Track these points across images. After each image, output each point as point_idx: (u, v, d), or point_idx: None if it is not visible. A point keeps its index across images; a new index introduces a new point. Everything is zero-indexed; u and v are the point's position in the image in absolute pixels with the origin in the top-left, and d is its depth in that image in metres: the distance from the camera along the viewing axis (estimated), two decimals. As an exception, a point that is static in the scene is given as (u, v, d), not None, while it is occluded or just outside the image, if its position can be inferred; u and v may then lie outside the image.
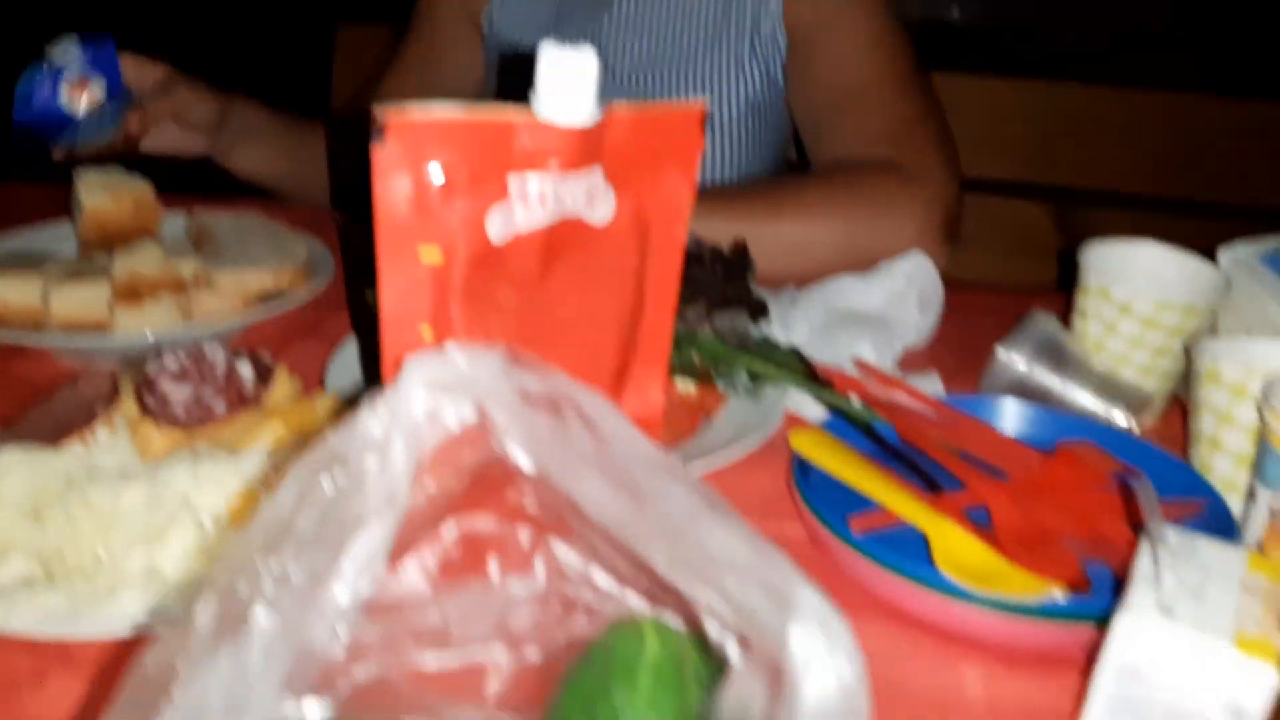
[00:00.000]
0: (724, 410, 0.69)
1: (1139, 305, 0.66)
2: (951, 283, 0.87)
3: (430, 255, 0.43)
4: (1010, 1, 1.64)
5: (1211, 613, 0.37)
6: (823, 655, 0.25)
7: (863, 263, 0.88)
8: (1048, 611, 0.47)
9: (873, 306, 0.82)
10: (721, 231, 0.88)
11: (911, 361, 0.79)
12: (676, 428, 0.66)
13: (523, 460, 0.38)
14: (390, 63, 1.24)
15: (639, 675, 0.31)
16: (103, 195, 0.85)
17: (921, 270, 0.83)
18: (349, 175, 1.11)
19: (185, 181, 1.04)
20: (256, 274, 0.81)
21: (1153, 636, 0.37)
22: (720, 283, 0.71)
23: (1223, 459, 0.56)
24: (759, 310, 0.70)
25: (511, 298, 0.46)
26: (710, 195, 0.93)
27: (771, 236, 0.88)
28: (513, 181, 0.43)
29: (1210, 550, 0.41)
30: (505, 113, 0.43)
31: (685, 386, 0.68)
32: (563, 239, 0.46)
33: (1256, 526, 0.50)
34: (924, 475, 0.60)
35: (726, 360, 0.68)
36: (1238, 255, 0.69)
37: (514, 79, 0.43)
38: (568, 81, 0.43)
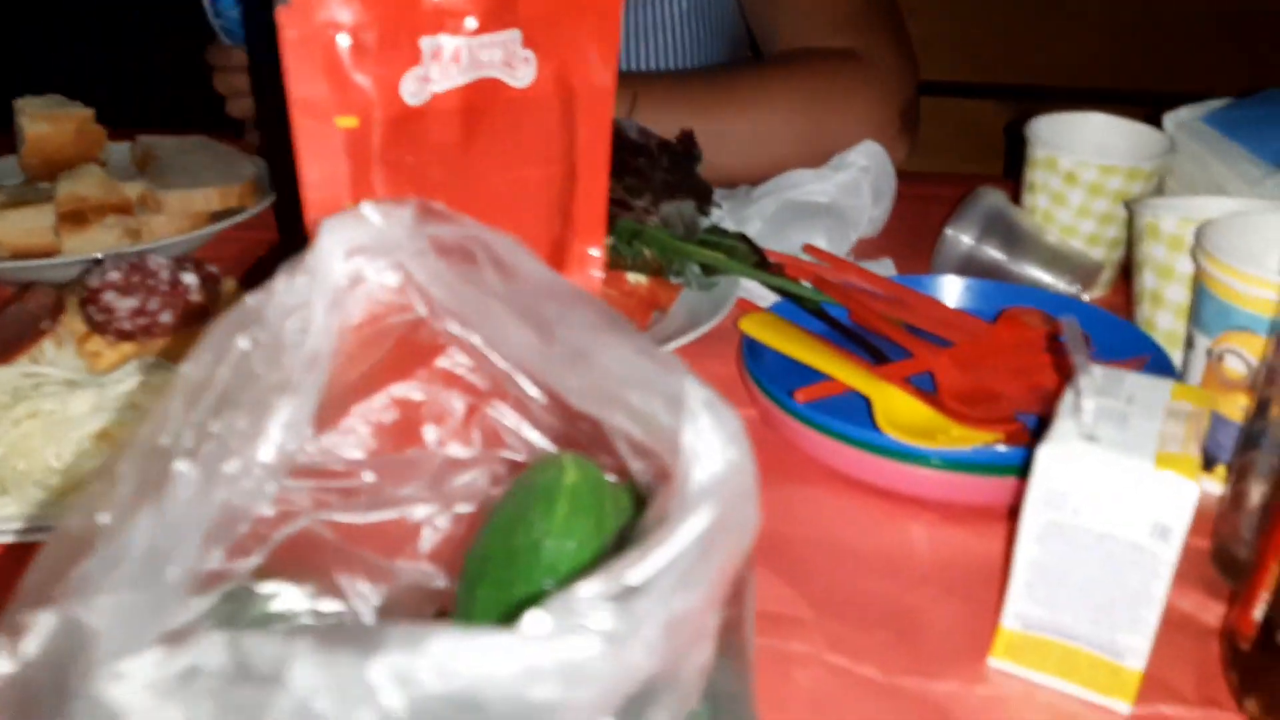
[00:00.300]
0: (678, 303, 0.69)
1: (1084, 173, 0.66)
2: (906, 174, 0.86)
3: (346, 122, 0.43)
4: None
5: (1134, 437, 0.38)
6: (712, 443, 0.25)
7: (821, 153, 0.87)
8: (985, 462, 0.48)
9: (826, 198, 0.81)
10: (676, 122, 0.87)
11: (865, 249, 0.79)
12: (630, 318, 0.65)
13: (446, 317, 0.38)
14: None
15: (556, 502, 0.31)
16: (44, 123, 0.84)
17: (875, 159, 0.83)
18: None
19: (129, 115, 1.02)
20: (204, 194, 0.80)
21: (1076, 463, 0.37)
22: (667, 173, 0.70)
23: (1165, 314, 0.57)
24: (705, 197, 0.69)
25: (436, 167, 0.45)
26: (666, 84, 0.91)
27: (729, 127, 0.88)
28: (425, 43, 0.43)
29: (1137, 382, 0.41)
30: (417, -28, 0.42)
31: (637, 280, 0.67)
32: (483, 101, 0.45)
33: (1195, 372, 0.51)
34: (873, 350, 0.61)
35: (676, 251, 0.68)
36: (1181, 118, 0.68)
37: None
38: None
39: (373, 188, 0.44)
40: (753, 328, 0.61)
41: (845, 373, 0.55)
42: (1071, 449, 0.37)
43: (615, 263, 0.68)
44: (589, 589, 0.21)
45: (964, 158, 1.43)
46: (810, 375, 0.57)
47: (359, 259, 0.40)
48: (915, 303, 0.64)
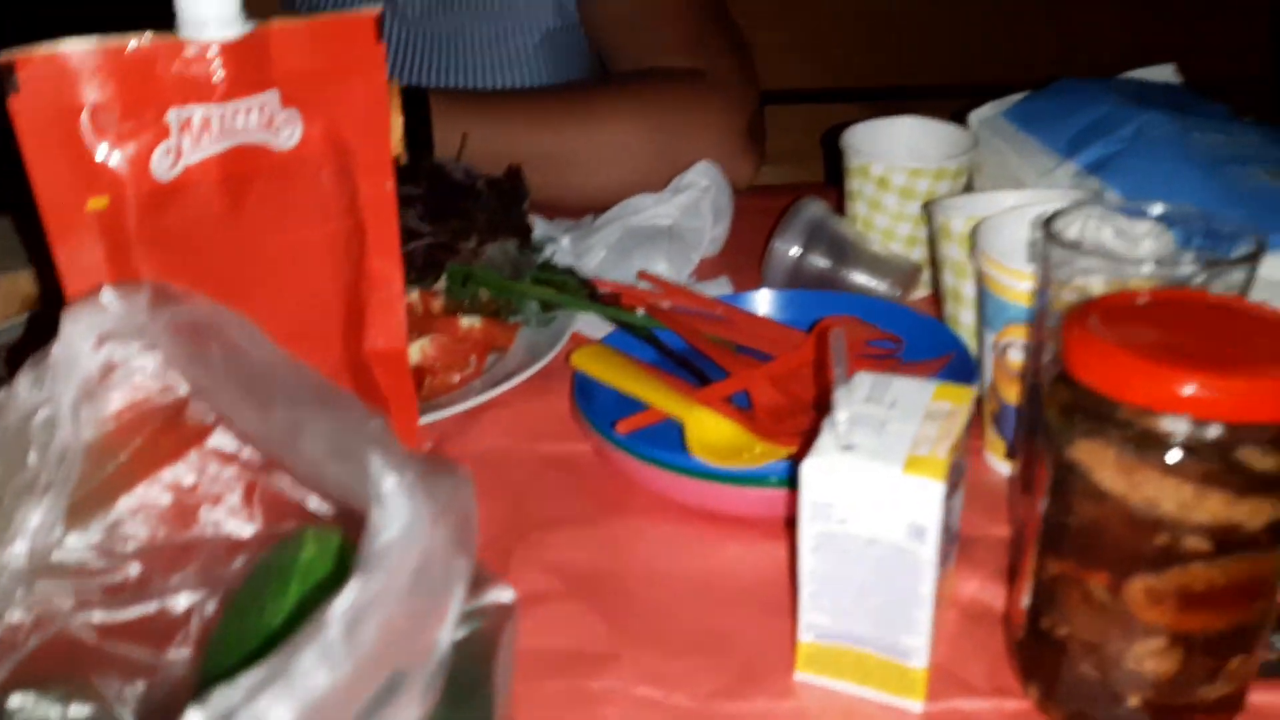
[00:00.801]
0: (517, 341, 0.69)
1: (895, 177, 0.68)
2: (746, 190, 0.88)
3: (97, 203, 0.42)
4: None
5: (889, 443, 0.39)
6: (392, 512, 0.25)
7: (668, 171, 0.88)
8: (774, 476, 0.48)
9: (668, 220, 0.82)
10: (520, 140, 0.87)
11: (706, 269, 0.80)
12: (464, 366, 0.65)
13: (197, 396, 0.38)
14: None
15: (290, 581, 0.31)
16: None
17: (713, 179, 0.84)
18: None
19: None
20: (28, 276, 0.78)
21: (834, 474, 0.38)
22: (494, 211, 0.70)
23: (966, 311, 0.58)
24: (526, 235, 0.69)
25: (203, 239, 0.45)
26: (510, 101, 0.92)
27: (575, 143, 0.89)
28: (172, 115, 0.42)
29: (902, 387, 0.42)
30: (149, 37, 0.41)
31: (470, 323, 0.67)
32: (245, 167, 0.45)
33: (987, 368, 0.52)
34: (700, 374, 0.61)
35: (507, 291, 0.68)
36: (984, 114, 0.71)
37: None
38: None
39: (135, 268, 0.43)
40: (584, 362, 0.61)
41: (663, 399, 0.56)
42: (829, 460, 0.38)
43: (450, 306, 0.68)
44: (239, 688, 0.21)
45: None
46: (638, 406, 0.57)
47: (109, 345, 0.39)
48: (741, 321, 0.65)
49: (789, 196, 0.93)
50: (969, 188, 0.70)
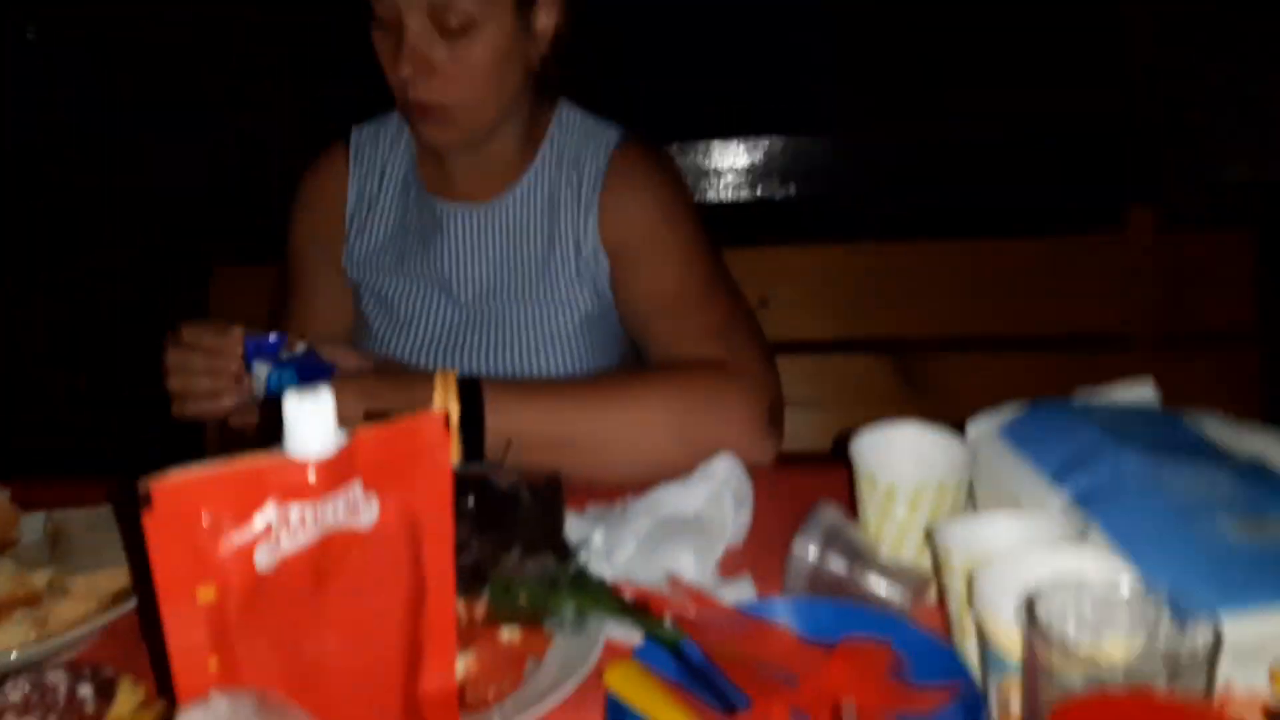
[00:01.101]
0: (551, 650, 0.74)
1: (901, 489, 0.74)
2: (765, 469, 0.95)
3: (206, 595, 0.49)
4: (822, 177, 1.81)
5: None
6: None
7: (696, 452, 0.95)
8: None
9: (693, 509, 0.89)
10: (562, 421, 0.96)
11: (730, 563, 0.85)
12: (503, 678, 0.70)
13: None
14: (275, 316, 1.30)
15: None
16: (-43, 514, 0.89)
17: (733, 471, 0.91)
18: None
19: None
20: (110, 575, 0.84)
21: None
22: (535, 522, 0.77)
23: (970, 641, 0.63)
24: (564, 552, 0.76)
25: (290, 618, 0.51)
26: (552, 387, 1.01)
27: (611, 425, 0.97)
28: (275, 514, 0.50)
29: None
30: (261, 459, 0.50)
31: (510, 635, 0.72)
32: (331, 552, 0.52)
33: (993, 710, 0.56)
34: (722, 696, 0.66)
35: (547, 601, 0.73)
36: (981, 428, 0.78)
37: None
38: (310, 422, 0.51)
39: (233, 649, 0.49)
40: (616, 682, 0.66)
41: (691, 731, 0.60)
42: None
43: (492, 615, 0.74)
44: None
45: (847, 407, 1.55)
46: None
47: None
48: (762, 634, 0.70)
49: (807, 476, 1.00)
50: (970, 498, 0.76)
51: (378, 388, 0.95)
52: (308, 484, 0.51)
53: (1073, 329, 1.51)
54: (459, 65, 1.03)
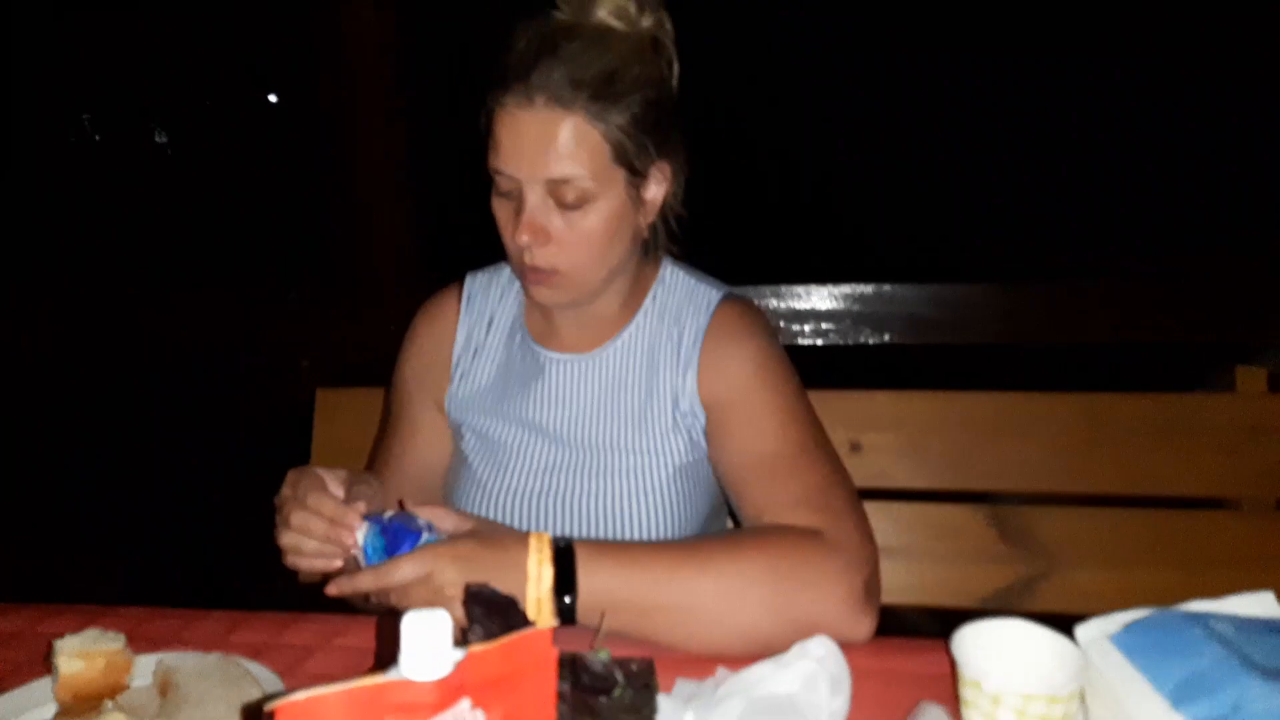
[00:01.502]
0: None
1: (1007, 698, 0.72)
2: (855, 649, 0.93)
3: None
4: (918, 324, 1.81)
5: None
6: None
7: (789, 624, 0.94)
8: None
9: (787, 691, 0.87)
10: (653, 583, 0.96)
11: (826, 754, 0.83)
12: None
13: None
14: (375, 453, 1.35)
15: None
16: (77, 661, 0.93)
17: (830, 654, 0.89)
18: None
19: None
20: (214, 728, 0.87)
21: None
22: (628, 707, 0.77)
23: None
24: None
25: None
26: (648, 552, 1.00)
27: (701, 591, 0.96)
28: (390, 733, 0.51)
29: None
30: (378, 681, 0.51)
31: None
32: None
33: None
34: None
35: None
36: (1092, 634, 0.75)
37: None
38: (426, 644, 0.52)
39: None
40: None
41: None
42: None
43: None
44: None
45: (940, 559, 1.51)
46: None
47: None
48: None
49: (906, 659, 0.97)
50: (1082, 707, 0.73)
51: (475, 552, 0.96)
52: (423, 703, 0.52)
53: (1177, 489, 1.46)
54: (573, 234, 1.09)
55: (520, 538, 0.98)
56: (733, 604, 0.97)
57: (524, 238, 1.08)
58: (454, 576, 0.94)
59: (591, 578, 0.97)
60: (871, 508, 1.15)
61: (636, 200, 1.13)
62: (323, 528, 0.99)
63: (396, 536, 0.99)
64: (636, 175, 1.11)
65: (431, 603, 0.94)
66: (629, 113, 1.07)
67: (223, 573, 2.31)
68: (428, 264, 2.14)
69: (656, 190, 1.14)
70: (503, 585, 0.87)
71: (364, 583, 0.96)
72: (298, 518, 1.00)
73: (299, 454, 1.77)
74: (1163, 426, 1.46)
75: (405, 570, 0.95)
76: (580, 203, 1.07)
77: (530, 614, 0.95)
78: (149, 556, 2.49)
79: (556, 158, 1.05)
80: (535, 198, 1.07)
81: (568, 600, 0.96)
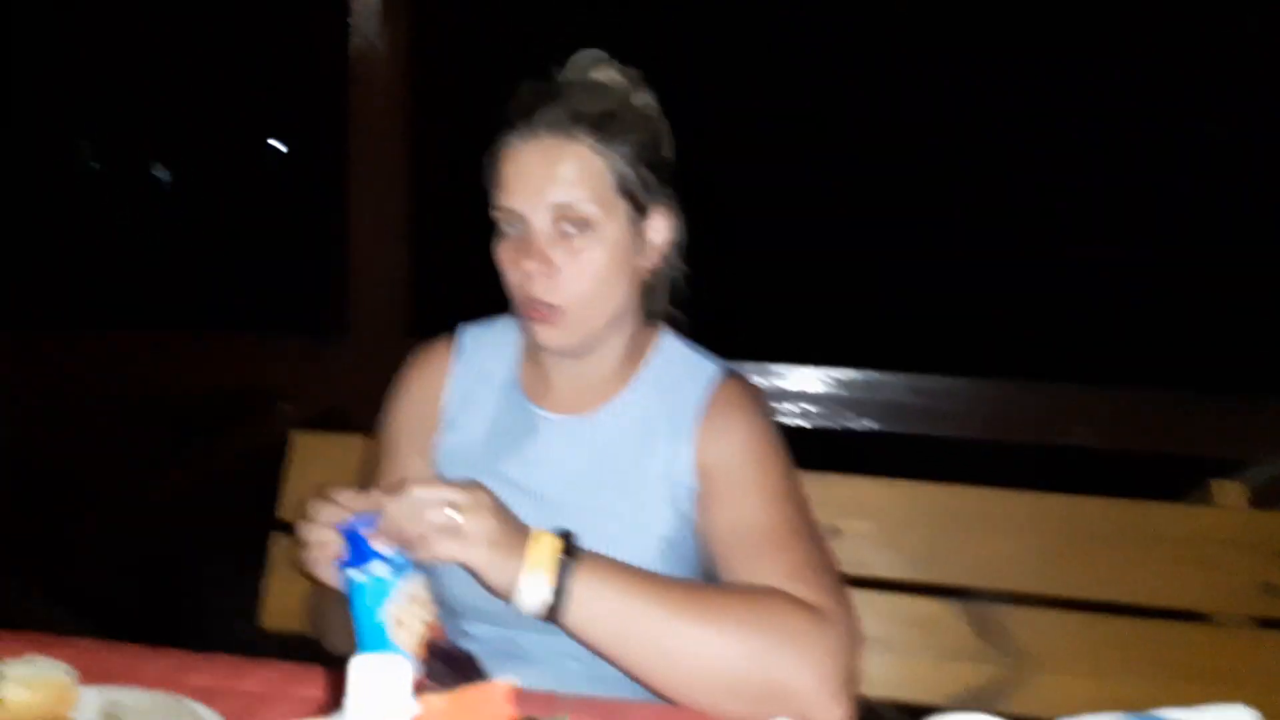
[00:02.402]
0: None
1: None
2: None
3: None
4: (901, 411, 1.82)
5: None
6: None
7: (762, 689, 0.92)
8: None
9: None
10: (644, 601, 0.95)
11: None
12: None
13: None
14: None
15: None
16: (23, 690, 0.90)
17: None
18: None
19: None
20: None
21: None
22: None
23: None
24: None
25: None
26: (646, 573, 0.98)
27: (686, 631, 0.94)
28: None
29: None
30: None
31: None
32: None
33: None
34: None
35: None
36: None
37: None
38: (379, 691, 0.51)
39: None
40: None
41: None
42: None
43: None
44: None
45: (915, 653, 1.49)
46: None
47: None
48: None
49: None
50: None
51: (501, 511, 0.97)
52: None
53: (1154, 598, 1.45)
54: (576, 265, 1.10)
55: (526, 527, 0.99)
56: (715, 647, 0.94)
57: (529, 265, 1.09)
58: (482, 517, 0.95)
59: (590, 576, 0.96)
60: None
61: (638, 239, 1.14)
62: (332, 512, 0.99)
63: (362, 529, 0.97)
64: (638, 211, 1.13)
65: (448, 541, 0.94)
66: (630, 148, 1.11)
67: (181, 611, 2.26)
68: (421, 317, 2.14)
69: (655, 236, 1.16)
70: (512, 553, 0.93)
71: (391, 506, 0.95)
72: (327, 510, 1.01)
73: (269, 498, 1.74)
74: (1143, 534, 1.46)
75: (447, 493, 0.95)
76: (584, 230, 1.09)
77: (525, 589, 0.94)
78: (108, 590, 2.42)
79: (562, 182, 1.08)
80: (540, 224, 1.10)
81: (563, 583, 0.95)
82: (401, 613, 0.94)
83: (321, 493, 1.03)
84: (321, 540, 1.00)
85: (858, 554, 1.53)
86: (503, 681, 0.55)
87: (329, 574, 1.01)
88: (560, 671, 1.13)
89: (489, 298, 1.27)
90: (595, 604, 0.94)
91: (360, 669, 0.50)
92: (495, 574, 0.94)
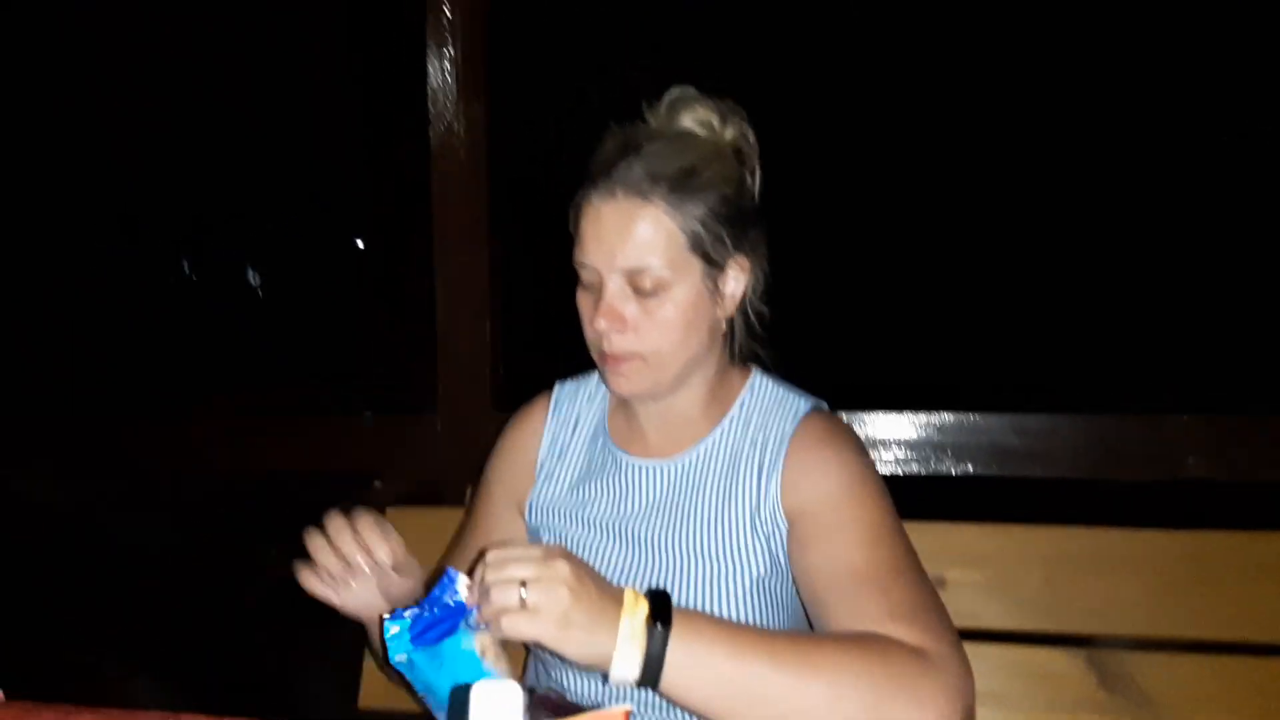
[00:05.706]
0: None
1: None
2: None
3: None
4: (1002, 454, 1.76)
5: None
6: None
7: None
8: None
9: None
10: (754, 674, 0.90)
11: None
12: None
13: None
14: (447, 552, 1.36)
15: None
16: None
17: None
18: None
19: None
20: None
21: None
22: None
23: None
24: None
25: None
26: (746, 630, 0.95)
27: (803, 683, 0.90)
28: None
29: None
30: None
31: None
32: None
33: None
34: None
35: None
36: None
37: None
38: (496, 715, 0.50)
39: None
40: None
41: None
42: None
43: None
44: None
45: (1037, 709, 1.41)
46: None
47: None
48: None
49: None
50: None
51: (587, 575, 0.92)
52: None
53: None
54: (650, 321, 1.12)
55: (616, 590, 0.93)
56: (831, 705, 0.90)
57: (601, 323, 1.12)
58: (555, 593, 0.88)
59: (685, 642, 0.91)
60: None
61: (714, 292, 1.16)
62: (350, 542, 1.04)
63: (435, 610, 0.94)
64: (713, 266, 1.14)
65: (519, 621, 0.89)
66: (706, 206, 1.12)
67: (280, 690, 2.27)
68: (507, 390, 2.17)
69: (735, 284, 1.17)
70: (595, 628, 0.88)
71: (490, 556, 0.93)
72: (333, 528, 1.06)
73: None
74: (1273, 568, 1.37)
75: (517, 569, 0.89)
76: (657, 290, 1.11)
77: (618, 664, 0.89)
78: (211, 671, 2.46)
79: (634, 247, 1.10)
80: (614, 286, 1.12)
81: (655, 662, 0.90)
82: (491, 643, 0.93)
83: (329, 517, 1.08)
84: (326, 564, 1.06)
85: (968, 604, 1.47)
86: (618, 708, 0.54)
87: (321, 590, 1.07)
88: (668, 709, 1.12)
89: (576, 369, 1.30)
90: (693, 670, 0.91)
91: (480, 694, 0.50)
92: (574, 649, 0.89)
